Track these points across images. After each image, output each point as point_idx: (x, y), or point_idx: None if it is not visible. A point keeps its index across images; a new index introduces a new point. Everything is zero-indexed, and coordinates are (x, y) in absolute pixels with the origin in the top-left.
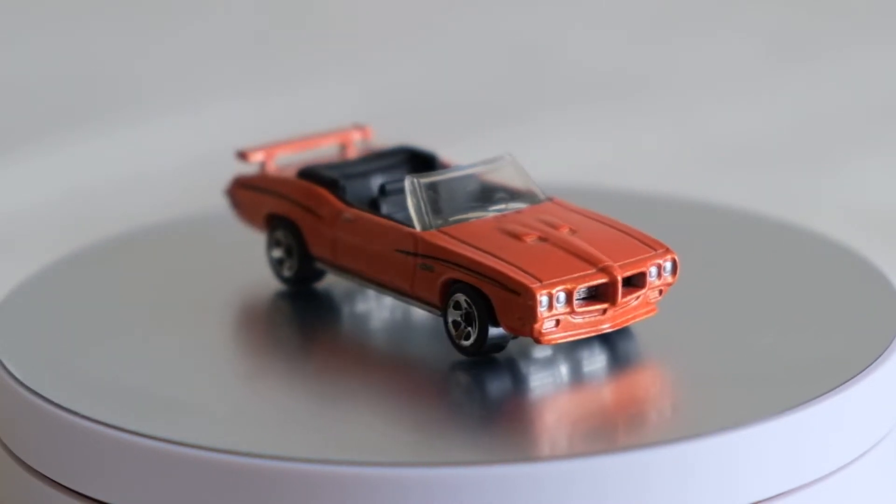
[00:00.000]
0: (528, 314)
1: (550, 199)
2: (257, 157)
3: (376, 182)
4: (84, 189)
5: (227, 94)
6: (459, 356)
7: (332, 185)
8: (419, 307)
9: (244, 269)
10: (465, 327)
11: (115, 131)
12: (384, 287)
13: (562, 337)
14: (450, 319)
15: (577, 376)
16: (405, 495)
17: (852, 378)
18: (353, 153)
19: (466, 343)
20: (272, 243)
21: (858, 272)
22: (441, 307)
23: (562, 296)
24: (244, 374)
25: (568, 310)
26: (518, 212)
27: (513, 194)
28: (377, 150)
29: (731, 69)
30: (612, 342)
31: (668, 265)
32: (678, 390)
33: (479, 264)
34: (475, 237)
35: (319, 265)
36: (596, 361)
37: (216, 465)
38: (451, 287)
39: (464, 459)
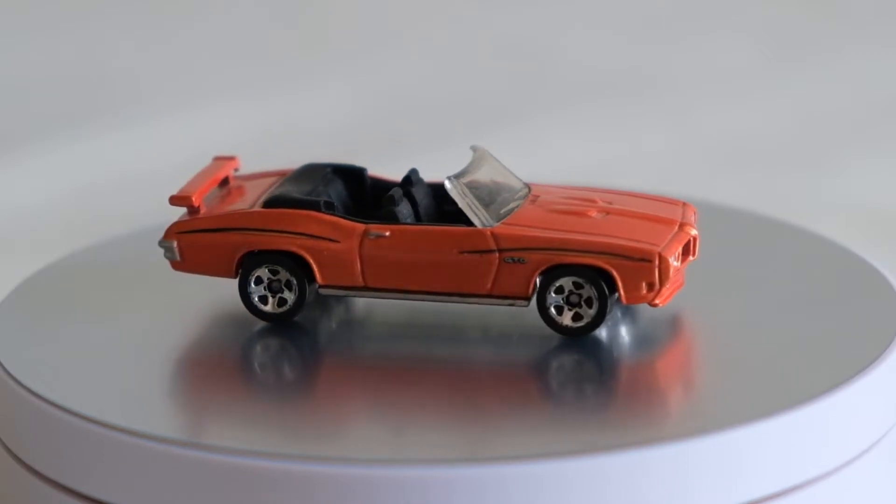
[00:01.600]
0: (659, 279)
1: (528, 185)
2: (197, 201)
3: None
4: (84, 189)
5: (227, 95)
6: (455, 354)
7: (330, 207)
8: (492, 304)
9: None
10: (573, 309)
11: (115, 131)
12: (439, 295)
13: (669, 296)
14: (551, 305)
15: (576, 376)
16: (405, 495)
17: (852, 378)
18: (234, 182)
19: (579, 324)
20: (248, 283)
21: (858, 272)
22: (529, 297)
23: (677, 255)
24: (244, 374)
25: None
26: (537, 196)
27: (509, 182)
28: (282, 171)
29: (731, 69)
30: (612, 342)
31: (693, 218)
32: (677, 389)
33: (591, 243)
34: (546, 222)
35: (330, 292)
36: (594, 361)
37: (216, 465)
38: (549, 274)
39: (461, 459)
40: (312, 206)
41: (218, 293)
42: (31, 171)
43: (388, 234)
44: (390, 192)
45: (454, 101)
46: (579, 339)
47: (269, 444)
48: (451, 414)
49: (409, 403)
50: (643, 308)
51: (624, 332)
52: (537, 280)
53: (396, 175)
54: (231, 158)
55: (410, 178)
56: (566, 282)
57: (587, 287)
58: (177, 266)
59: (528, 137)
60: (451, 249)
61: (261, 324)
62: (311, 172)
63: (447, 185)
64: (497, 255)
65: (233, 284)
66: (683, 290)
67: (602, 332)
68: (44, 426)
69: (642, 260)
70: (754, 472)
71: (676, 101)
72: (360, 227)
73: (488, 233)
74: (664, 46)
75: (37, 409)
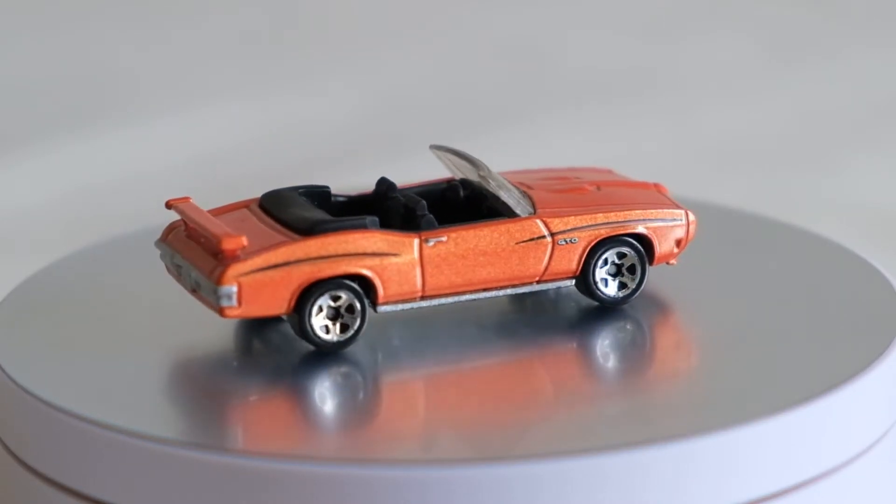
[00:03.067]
0: (685, 237)
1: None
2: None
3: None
4: (84, 189)
5: (227, 95)
6: (457, 354)
7: (374, 223)
8: (544, 287)
9: None
10: (616, 279)
11: (115, 131)
12: (495, 289)
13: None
14: (598, 278)
15: (575, 377)
16: (405, 495)
17: (852, 377)
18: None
19: (626, 292)
20: (310, 315)
21: (858, 272)
22: (577, 274)
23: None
24: (245, 374)
25: None
26: (530, 181)
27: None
28: (240, 203)
29: (731, 69)
30: (611, 343)
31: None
32: (677, 389)
33: (627, 214)
34: (570, 202)
35: (388, 309)
36: (593, 362)
37: (216, 465)
38: (597, 249)
39: (461, 459)
40: (362, 224)
41: None
42: (31, 171)
43: (445, 238)
44: (409, 201)
45: (454, 101)
46: (580, 340)
47: (270, 444)
48: (450, 415)
49: (410, 404)
50: (643, 308)
51: (624, 333)
52: (584, 257)
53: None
54: (186, 198)
55: (390, 186)
56: (611, 254)
57: (630, 254)
58: (230, 313)
59: (528, 137)
60: (508, 242)
61: (261, 324)
62: (284, 198)
63: (491, 182)
64: (550, 239)
65: None
66: (683, 289)
67: (602, 333)
68: (44, 426)
69: (674, 220)
70: (754, 472)
71: (676, 101)
72: (414, 236)
73: (538, 220)
74: (664, 46)
75: (37, 409)
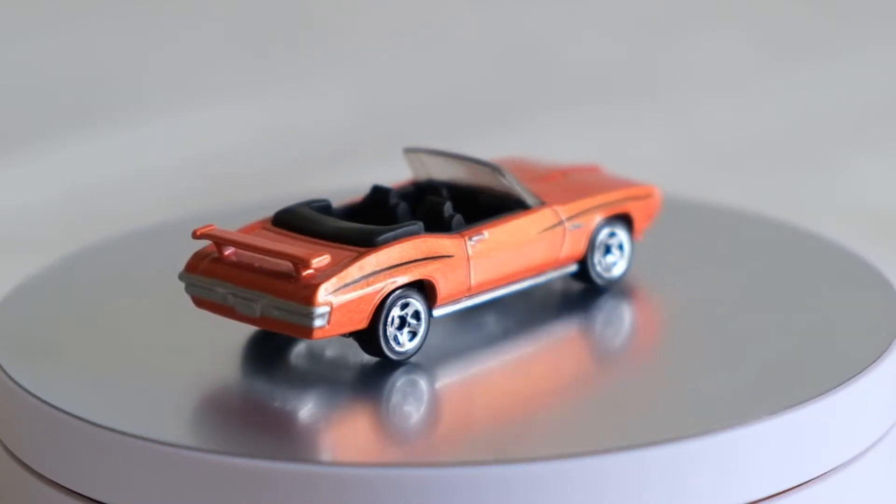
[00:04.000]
0: (655, 211)
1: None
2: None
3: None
4: (84, 189)
5: (227, 95)
6: (456, 356)
7: (421, 228)
8: (557, 275)
9: None
10: (605, 256)
11: (115, 131)
12: (525, 278)
13: None
14: (597, 259)
15: (575, 377)
16: (404, 495)
17: (852, 378)
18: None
19: (621, 272)
20: (387, 325)
21: (858, 272)
22: (584, 257)
23: None
24: (245, 374)
25: None
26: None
27: None
28: (256, 224)
29: (731, 69)
30: (611, 343)
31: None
32: (677, 390)
33: (614, 194)
34: (561, 190)
35: (441, 312)
36: (593, 362)
37: (216, 465)
38: (598, 230)
39: (461, 460)
40: (417, 230)
41: None
42: (31, 171)
43: (486, 234)
44: (433, 204)
45: (454, 101)
46: (579, 341)
47: (270, 445)
48: (450, 416)
49: (410, 404)
50: (643, 308)
51: (623, 334)
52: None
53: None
54: (210, 226)
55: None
56: (604, 235)
57: (620, 233)
58: (320, 334)
59: (528, 137)
60: (533, 231)
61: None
62: (303, 214)
63: (505, 178)
64: (564, 225)
65: None
66: (683, 289)
67: (602, 334)
68: (44, 426)
69: (647, 196)
70: (754, 473)
71: (676, 101)
72: (460, 237)
73: (551, 208)
74: (664, 47)
75: (37, 410)
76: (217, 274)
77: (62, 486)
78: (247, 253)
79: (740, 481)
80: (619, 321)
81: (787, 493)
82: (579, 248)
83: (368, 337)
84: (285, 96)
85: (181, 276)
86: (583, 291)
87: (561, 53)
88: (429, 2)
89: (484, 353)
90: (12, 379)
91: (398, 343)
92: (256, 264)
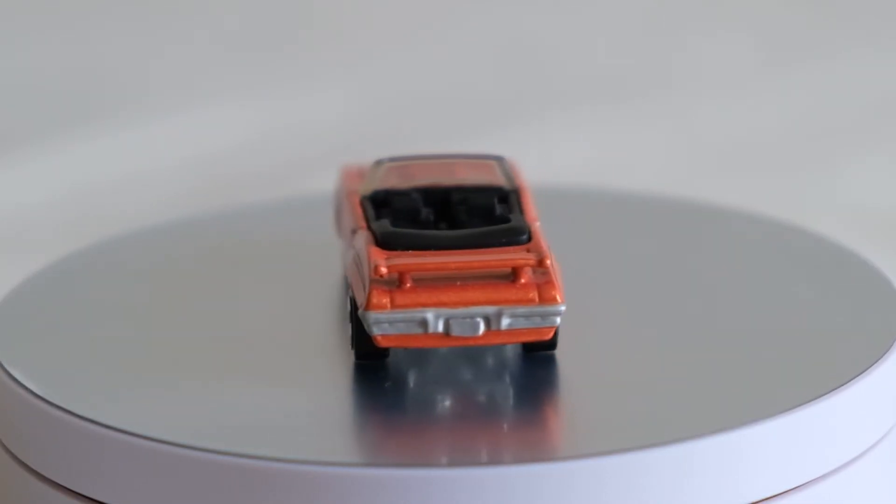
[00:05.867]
0: None
1: None
2: None
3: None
4: (84, 189)
5: (227, 95)
6: (458, 359)
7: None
8: None
9: (243, 270)
10: None
11: (116, 131)
12: None
13: None
14: None
15: (575, 378)
16: (405, 496)
17: (852, 378)
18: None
19: None
20: None
21: (858, 272)
22: None
23: None
24: (244, 374)
25: None
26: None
27: None
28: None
29: (731, 69)
30: (611, 344)
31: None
32: (677, 390)
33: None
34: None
35: None
36: (593, 363)
37: (216, 465)
38: None
39: (462, 461)
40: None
41: (218, 293)
42: (31, 171)
43: None
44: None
45: (455, 101)
46: (579, 341)
47: (269, 444)
48: (451, 416)
49: (410, 405)
50: (643, 308)
51: (623, 334)
52: None
53: None
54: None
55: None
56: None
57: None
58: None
59: (528, 137)
60: None
61: (260, 324)
62: (408, 232)
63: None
64: None
65: (233, 282)
66: (683, 289)
67: (601, 334)
68: (44, 426)
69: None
70: (754, 474)
71: (676, 101)
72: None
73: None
74: (664, 47)
75: (37, 409)
76: (426, 302)
77: (62, 486)
78: (436, 273)
79: (741, 482)
80: (617, 321)
81: (787, 493)
82: None
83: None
84: (285, 96)
85: (367, 317)
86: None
87: (561, 54)
88: (429, 2)
89: (482, 354)
90: (13, 378)
91: None
92: (458, 283)
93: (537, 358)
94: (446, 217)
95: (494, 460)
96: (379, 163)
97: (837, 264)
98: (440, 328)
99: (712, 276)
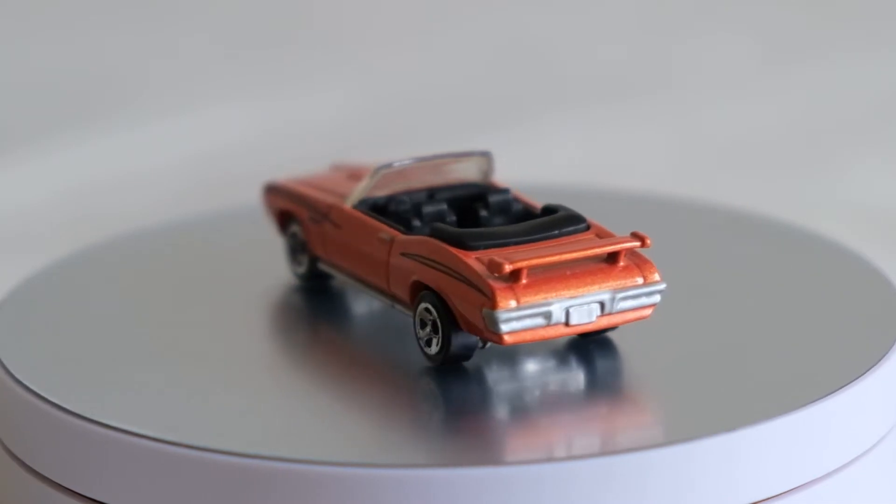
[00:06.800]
0: None
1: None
2: None
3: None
4: (84, 189)
5: (227, 95)
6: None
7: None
8: None
9: (243, 270)
10: None
11: (115, 131)
12: None
13: None
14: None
15: (576, 379)
16: (405, 496)
17: (853, 379)
18: None
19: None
20: None
21: (858, 272)
22: None
23: None
24: (245, 374)
25: None
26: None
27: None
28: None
29: (731, 69)
30: (611, 345)
31: None
32: (677, 391)
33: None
34: None
35: None
36: (593, 363)
37: (216, 465)
38: None
39: (462, 461)
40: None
41: (217, 294)
42: (31, 171)
43: None
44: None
45: (455, 101)
46: (579, 342)
47: (269, 444)
48: (453, 417)
49: (412, 406)
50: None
51: (622, 335)
52: None
53: None
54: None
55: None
56: None
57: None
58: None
59: (529, 137)
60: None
61: (260, 325)
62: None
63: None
64: None
65: (233, 283)
66: (683, 290)
67: (601, 335)
68: (44, 426)
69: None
70: (755, 475)
71: (676, 101)
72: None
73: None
74: (664, 47)
75: (37, 409)
76: (549, 294)
77: (62, 486)
78: (550, 266)
79: (741, 482)
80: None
81: (787, 493)
82: None
83: None
84: (285, 96)
85: (496, 316)
86: None
87: (561, 53)
88: (429, 2)
89: (484, 353)
90: (13, 378)
91: None
92: (568, 272)
93: (535, 359)
94: (468, 217)
95: (494, 460)
96: (377, 171)
97: (837, 264)
98: (562, 318)
99: (712, 276)
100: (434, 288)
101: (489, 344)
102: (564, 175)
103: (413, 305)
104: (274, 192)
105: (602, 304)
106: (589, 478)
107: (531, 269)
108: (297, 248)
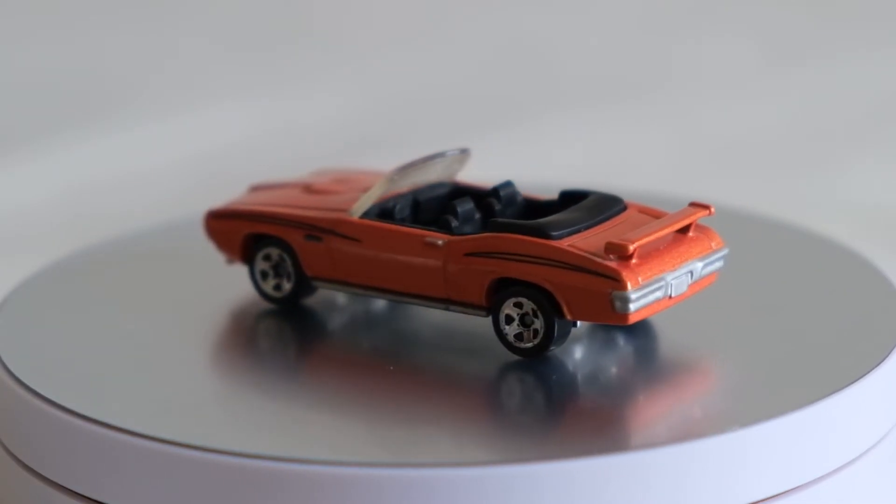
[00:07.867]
0: None
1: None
2: None
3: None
4: (84, 189)
5: (227, 95)
6: (455, 356)
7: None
8: None
9: (243, 270)
10: None
11: (116, 131)
12: None
13: None
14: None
15: (576, 379)
16: (405, 496)
17: (853, 379)
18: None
19: None
20: None
21: (858, 272)
22: None
23: None
24: (243, 375)
25: None
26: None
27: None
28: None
29: (731, 70)
30: (611, 345)
31: None
32: (677, 391)
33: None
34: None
35: None
36: (594, 363)
37: (216, 465)
38: None
39: (463, 460)
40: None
41: (217, 294)
42: (31, 171)
43: None
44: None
45: (455, 102)
46: (579, 342)
47: (270, 445)
48: (455, 417)
49: (413, 406)
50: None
51: (622, 335)
52: None
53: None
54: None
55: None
56: None
57: None
58: None
59: (529, 137)
60: None
61: (260, 325)
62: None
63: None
64: None
65: (232, 283)
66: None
67: (601, 335)
68: (44, 426)
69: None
70: (755, 475)
71: (676, 101)
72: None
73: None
74: (665, 47)
75: (37, 409)
76: (661, 269)
77: (62, 487)
78: (652, 241)
79: (741, 482)
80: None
81: (787, 493)
82: None
83: None
84: (285, 96)
85: (627, 296)
86: None
87: (561, 53)
88: (429, 2)
89: (484, 353)
90: (13, 377)
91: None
92: (661, 247)
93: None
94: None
95: (494, 460)
96: (392, 177)
97: (838, 264)
98: (669, 291)
99: None
100: (533, 281)
101: (579, 323)
102: (564, 175)
103: (489, 304)
104: (231, 217)
105: (692, 273)
106: (588, 477)
107: (641, 249)
108: (273, 272)
